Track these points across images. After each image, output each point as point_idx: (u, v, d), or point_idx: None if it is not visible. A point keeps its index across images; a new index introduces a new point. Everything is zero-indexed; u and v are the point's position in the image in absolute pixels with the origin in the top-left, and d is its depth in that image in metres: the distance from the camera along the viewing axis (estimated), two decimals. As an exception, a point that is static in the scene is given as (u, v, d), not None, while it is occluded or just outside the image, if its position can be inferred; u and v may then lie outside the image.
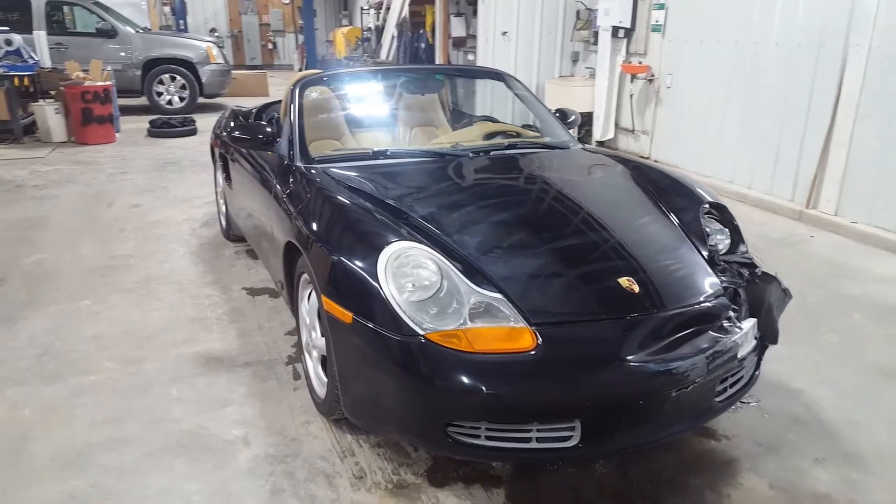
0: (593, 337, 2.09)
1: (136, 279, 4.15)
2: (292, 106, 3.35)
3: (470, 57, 9.82)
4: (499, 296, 2.12)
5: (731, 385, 2.36)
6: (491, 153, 3.24)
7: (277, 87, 15.19)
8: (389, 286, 2.11)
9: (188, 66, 10.86)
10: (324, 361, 2.60)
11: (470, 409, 2.01)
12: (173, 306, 3.75)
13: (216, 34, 19.66)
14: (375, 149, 3.17)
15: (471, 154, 3.17)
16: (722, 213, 2.82)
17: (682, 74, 6.95)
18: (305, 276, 2.68)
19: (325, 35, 20.54)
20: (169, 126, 9.33)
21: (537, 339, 2.02)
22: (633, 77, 7.39)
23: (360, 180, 2.83)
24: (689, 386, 2.10)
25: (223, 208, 4.80)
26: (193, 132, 9.36)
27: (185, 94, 11.00)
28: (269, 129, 3.27)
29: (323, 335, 2.51)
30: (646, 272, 2.31)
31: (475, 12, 10.36)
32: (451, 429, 2.05)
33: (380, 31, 13.32)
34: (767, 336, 2.42)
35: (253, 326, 3.50)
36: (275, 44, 21.66)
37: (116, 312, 3.66)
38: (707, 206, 2.81)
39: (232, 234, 4.69)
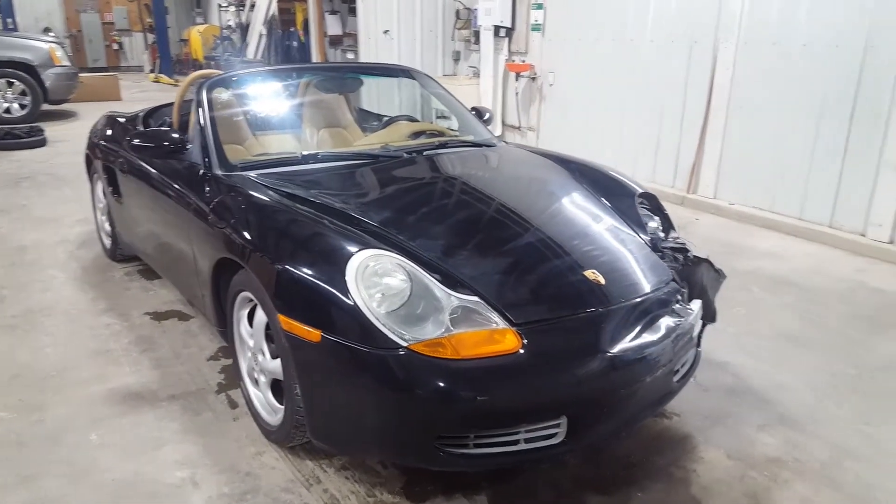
0: (574, 332, 2.08)
1: (15, 313, 3.66)
2: (200, 109, 3.08)
3: (350, 55, 9.62)
4: (475, 298, 2.05)
5: (682, 365, 2.44)
6: (424, 153, 3.14)
7: (129, 90, 14.17)
8: (362, 298, 1.97)
9: (28, 70, 9.79)
10: (275, 385, 2.41)
11: (463, 419, 1.93)
12: (68, 340, 3.34)
13: (51, 34, 17.98)
14: (304, 152, 2.98)
15: (405, 154, 3.06)
16: (652, 202, 2.91)
17: (564, 72, 7.18)
18: (245, 294, 2.47)
19: (178, 34, 19.35)
20: (13, 137, 8.37)
21: (522, 339, 1.98)
22: (518, 75, 7.54)
23: (296, 187, 2.64)
24: (659, 370, 2.14)
25: (106, 226, 4.35)
26: (43, 143, 8.47)
27: (27, 100, 9.91)
28: (175, 136, 2.99)
29: (275, 357, 2.32)
30: (604, 264, 2.33)
31: (351, 10, 10.18)
32: (440, 441, 1.95)
33: (244, 28, 12.73)
34: (706, 315, 2.53)
35: (168, 355, 3.19)
36: (120, 44, 20.14)
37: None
38: (639, 196, 2.89)
39: (119, 254, 4.27)
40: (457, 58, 8.81)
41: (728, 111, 5.50)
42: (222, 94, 3.24)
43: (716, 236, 5.07)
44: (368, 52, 8.32)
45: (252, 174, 2.79)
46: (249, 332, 2.50)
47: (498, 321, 2.00)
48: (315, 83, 3.61)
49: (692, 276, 2.54)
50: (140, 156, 3.39)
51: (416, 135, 3.48)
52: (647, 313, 2.21)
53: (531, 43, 7.48)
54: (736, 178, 5.56)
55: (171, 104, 4.44)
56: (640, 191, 2.92)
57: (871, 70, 4.55)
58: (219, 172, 2.83)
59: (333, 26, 9.99)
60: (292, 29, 10.89)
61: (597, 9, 6.61)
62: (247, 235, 2.37)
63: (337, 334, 1.98)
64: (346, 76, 3.72)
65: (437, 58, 8.74)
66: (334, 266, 2.06)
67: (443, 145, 3.28)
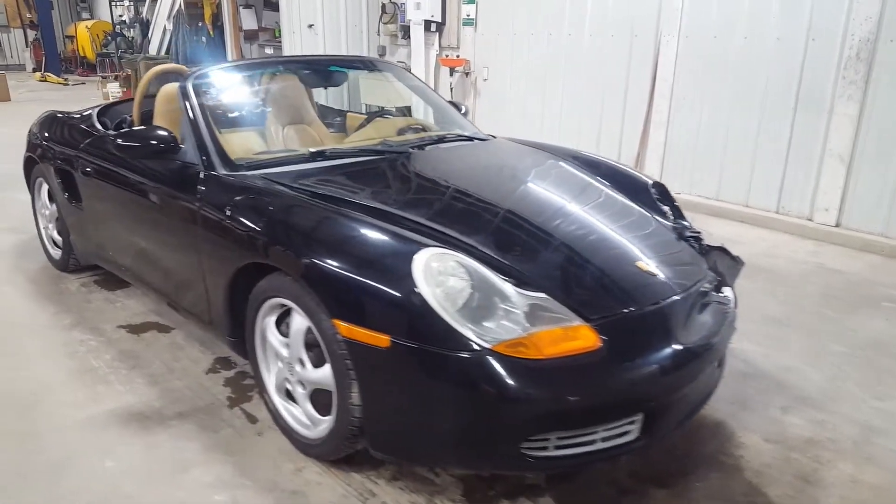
0: (647, 325, 2.07)
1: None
2: (190, 105, 2.87)
3: (268, 50, 9.27)
4: (543, 295, 2.01)
5: None
6: (426, 148, 3.06)
7: (15, 90, 13.10)
8: (436, 299, 1.89)
9: None
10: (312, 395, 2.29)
11: (550, 421, 1.88)
12: (41, 360, 3.04)
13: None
14: (312, 149, 2.84)
15: (410, 150, 2.97)
16: (663, 192, 2.97)
17: (498, 67, 7.23)
18: (276, 301, 2.32)
19: (61, 30, 18.01)
20: None
21: (599, 335, 1.96)
22: (452, 70, 7.52)
23: (318, 185, 2.51)
24: (717, 359, 2.20)
25: (55, 235, 3.99)
26: (-69, 147, 7.66)
27: None
28: (165, 134, 2.77)
29: (318, 366, 2.20)
30: (651, 256, 2.35)
31: (266, 3, 9.83)
32: (523, 445, 1.91)
33: (143, 23, 12.01)
34: None
35: (160, 370, 2.96)
36: (-3, 41, 18.54)
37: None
38: (651, 186, 2.94)
39: (72, 264, 3.92)
40: (382, 53, 8.68)
41: (671, 102, 5.72)
42: (206, 89, 3.02)
43: (669, 224, 5.27)
44: (293, 47, 8.05)
45: (258, 174, 2.63)
46: (281, 340, 2.36)
47: (571, 317, 1.97)
48: (300, 77, 3.45)
49: (711, 263, 2.61)
50: (115, 158, 3.12)
51: (403, 130, 3.40)
52: (699, 303, 2.25)
53: (463, 38, 7.49)
54: (681, 168, 5.79)
55: (121, 101, 4.14)
56: (651, 181, 2.98)
57: (812, 62, 4.85)
58: (222, 172, 2.65)
59: (248, 20, 9.60)
60: (200, 24, 10.37)
61: (531, 4, 6.70)
62: (285, 239, 2.21)
63: (410, 339, 1.89)
64: (331, 70, 3.57)
65: (363, 53, 8.59)
66: (398, 267, 1.96)
67: (441, 140, 3.21)
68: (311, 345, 2.25)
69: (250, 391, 2.79)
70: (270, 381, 2.49)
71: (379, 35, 8.53)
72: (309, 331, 2.21)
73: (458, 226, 2.26)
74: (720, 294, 2.39)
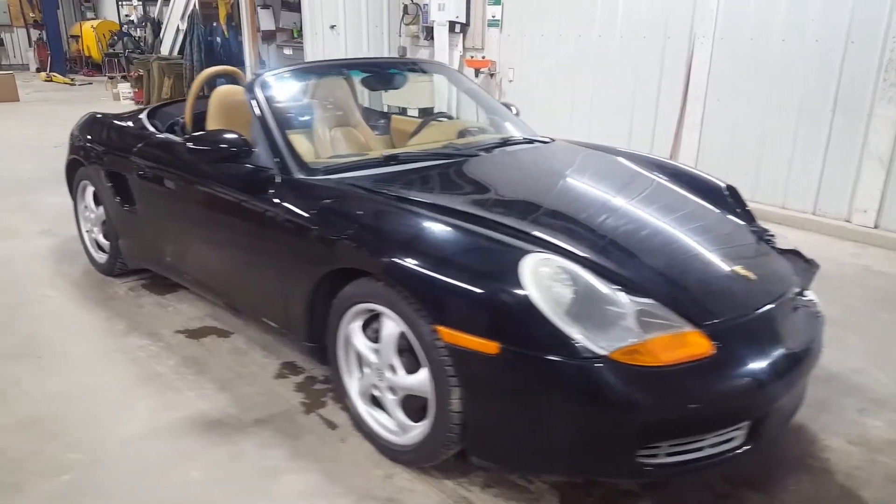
0: (756, 330, 2.05)
1: (18, 340, 3.24)
2: (260, 107, 2.84)
3: (287, 52, 9.23)
4: (650, 300, 1.99)
5: None
6: (494, 151, 3.03)
7: (22, 90, 13.03)
8: (548, 305, 1.87)
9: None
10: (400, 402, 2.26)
11: (668, 429, 1.86)
12: (104, 368, 3.00)
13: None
14: (385, 153, 2.81)
15: (480, 153, 2.94)
16: (735, 195, 2.94)
17: (524, 68, 7.20)
18: (363, 306, 2.29)
19: (65, 30, 17.90)
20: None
21: (711, 340, 1.94)
22: (477, 71, 7.50)
23: (403, 189, 2.48)
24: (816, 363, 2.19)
25: (100, 238, 3.95)
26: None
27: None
28: (237, 138, 2.73)
29: (411, 372, 2.17)
30: (744, 260, 2.33)
31: (283, 4, 9.78)
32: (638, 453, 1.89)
33: (154, 23, 11.95)
34: None
35: (228, 375, 2.92)
36: (1, 41, 18.39)
37: (22, 389, 2.83)
38: (724, 189, 2.92)
39: (119, 268, 3.88)
40: (403, 54, 8.64)
41: (705, 104, 5.71)
42: (274, 91, 2.99)
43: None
44: (315, 49, 8.01)
45: (336, 178, 2.60)
46: (369, 346, 2.33)
47: (681, 323, 1.95)
48: (361, 81, 3.42)
49: None
50: (176, 160, 3.09)
51: (462, 133, 3.38)
52: (796, 307, 2.23)
53: (487, 39, 7.46)
54: (715, 170, 5.69)
55: (169, 103, 4.11)
56: (724, 185, 2.95)
57: (852, 64, 4.85)
58: (300, 177, 2.62)
59: (266, 21, 9.55)
60: (215, 24, 10.32)
61: (560, 5, 6.67)
62: (380, 245, 2.18)
63: (522, 346, 1.87)
64: (392, 73, 3.54)
65: (384, 54, 8.55)
66: (506, 273, 1.94)
67: (504, 143, 3.18)
68: (401, 350, 2.22)
69: (323, 396, 2.76)
70: (353, 387, 2.46)
71: (400, 36, 8.50)
72: (401, 336, 2.18)
73: (554, 231, 2.23)
74: (806, 298, 2.37)
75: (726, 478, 2.29)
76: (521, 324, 1.89)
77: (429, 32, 8.00)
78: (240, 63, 10.15)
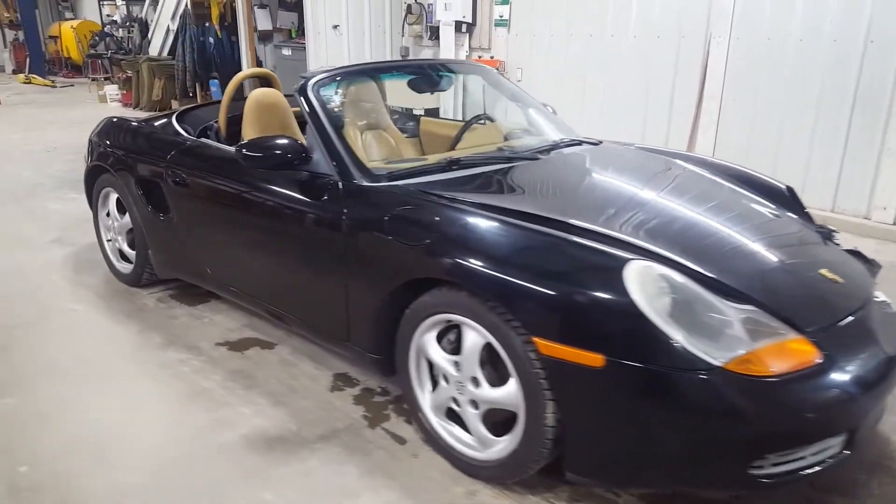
0: (856, 336, 2.01)
1: (52, 357, 3.11)
2: (315, 111, 2.74)
3: (285, 52, 9.07)
4: (751, 307, 1.94)
5: None
6: (554, 153, 2.95)
7: (0, 92, 12.66)
8: (658, 315, 1.81)
9: None
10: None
11: (781, 440, 1.81)
12: (147, 385, 2.88)
13: None
14: (450, 157, 2.72)
15: (539, 156, 2.87)
16: (794, 197, 2.90)
17: (533, 68, 7.15)
18: (441, 317, 2.21)
19: (42, 30, 17.47)
20: None
21: (817, 348, 1.89)
22: (485, 71, 7.42)
23: (476, 195, 2.39)
24: None
25: (124, 247, 3.81)
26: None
27: None
28: (292, 143, 2.63)
29: (496, 385, 2.10)
30: (828, 263, 2.29)
31: (280, 3, 9.64)
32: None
33: (143, 23, 11.71)
34: None
35: (280, 389, 2.82)
36: (-26, 42, 17.93)
37: (64, 409, 2.70)
38: (786, 191, 2.88)
39: (146, 278, 3.75)
40: (406, 54, 8.55)
41: (721, 103, 5.70)
42: (327, 95, 2.89)
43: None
44: (318, 49, 7.88)
45: (403, 184, 2.52)
46: (448, 358, 2.25)
47: (786, 330, 1.90)
48: (409, 83, 3.32)
49: None
50: (221, 167, 2.98)
51: (510, 135, 3.30)
52: (880, 309, 2.20)
53: (495, 38, 7.40)
54: (729, 169, 5.77)
55: (198, 107, 3.99)
56: (784, 186, 2.92)
57: (871, 64, 4.86)
58: (364, 184, 2.53)
59: (263, 21, 9.38)
60: (207, 24, 10.11)
61: (571, 5, 6.63)
62: (465, 254, 2.09)
63: (631, 358, 1.80)
64: (439, 74, 3.46)
65: (385, 55, 8.45)
66: (609, 282, 1.88)
67: (557, 144, 3.11)
68: (482, 362, 2.15)
69: (385, 409, 2.68)
70: (425, 400, 2.38)
71: (403, 35, 8.40)
72: (486, 348, 2.11)
73: (647, 236, 2.17)
74: (881, 299, 2.34)
75: (815, 485, 2.25)
76: (629, 335, 1.83)
77: (433, 32, 7.92)
78: (234, 63, 9.98)
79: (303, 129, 3.60)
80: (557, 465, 2.06)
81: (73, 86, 14.90)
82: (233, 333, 3.32)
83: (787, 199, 2.81)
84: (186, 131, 3.47)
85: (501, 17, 7.24)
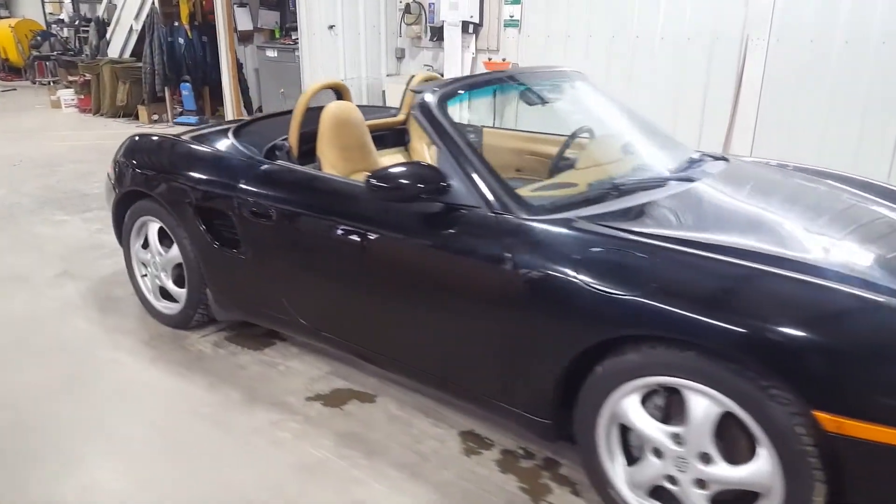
0: None
1: (117, 428, 2.61)
2: (447, 130, 2.35)
3: (270, 54, 8.51)
4: None
5: None
6: (701, 172, 2.64)
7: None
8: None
9: None
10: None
11: None
12: (247, 457, 2.43)
13: None
14: (605, 181, 2.38)
15: (690, 178, 2.54)
16: None
17: (546, 69, 6.85)
18: (652, 380, 1.86)
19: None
20: None
21: None
22: (494, 73, 7.09)
23: (678, 231, 2.07)
24: None
25: (168, 285, 3.30)
26: None
27: None
28: (431, 171, 2.24)
29: (725, 461, 1.79)
30: None
31: (262, 2, 9.07)
32: None
33: (101, 23, 10.89)
34: None
35: (410, 456, 2.42)
36: None
37: (163, 493, 2.24)
38: None
39: (197, 320, 3.26)
40: (401, 56, 8.13)
41: (759, 107, 5.53)
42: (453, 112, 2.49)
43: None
44: (311, 51, 7.38)
45: (567, 216, 2.15)
46: (664, 429, 1.90)
47: None
48: (520, 95, 2.94)
49: None
50: (316, 197, 2.58)
51: (627, 149, 2.96)
52: None
53: (504, 39, 7.07)
54: (768, 175, 5.61)
55: (252, 121, 3.54)
56: None
57: (925, 68, 4.76)
58: (524, 217, 2.15)
59: (243, 20, 8.76)
60: (176, 23, 9.41)
61: (589, 5, 6.36)
62: (701, 307, 1.75)
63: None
64: (552, 84, 3.09)
65: (381, 57, 8.00)
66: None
67: (692, 162, 2.78)
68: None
69: (540, 478, 2.32)
70: (618, 474, 2.03)
71: (400, 36, 7.99)
72: (724, 417, 1.78)
73: (856, 268, 1.89)
74: None
75: None
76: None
77: (434, 32, 7.54)
78: (206, 66, 9.33)
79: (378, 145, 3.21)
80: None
81: (15, 90, 13.81)
82: (319, 384, 2.88)
83: None
84: (251, 151, 3.01)
85: (512, 16, 6.92)
